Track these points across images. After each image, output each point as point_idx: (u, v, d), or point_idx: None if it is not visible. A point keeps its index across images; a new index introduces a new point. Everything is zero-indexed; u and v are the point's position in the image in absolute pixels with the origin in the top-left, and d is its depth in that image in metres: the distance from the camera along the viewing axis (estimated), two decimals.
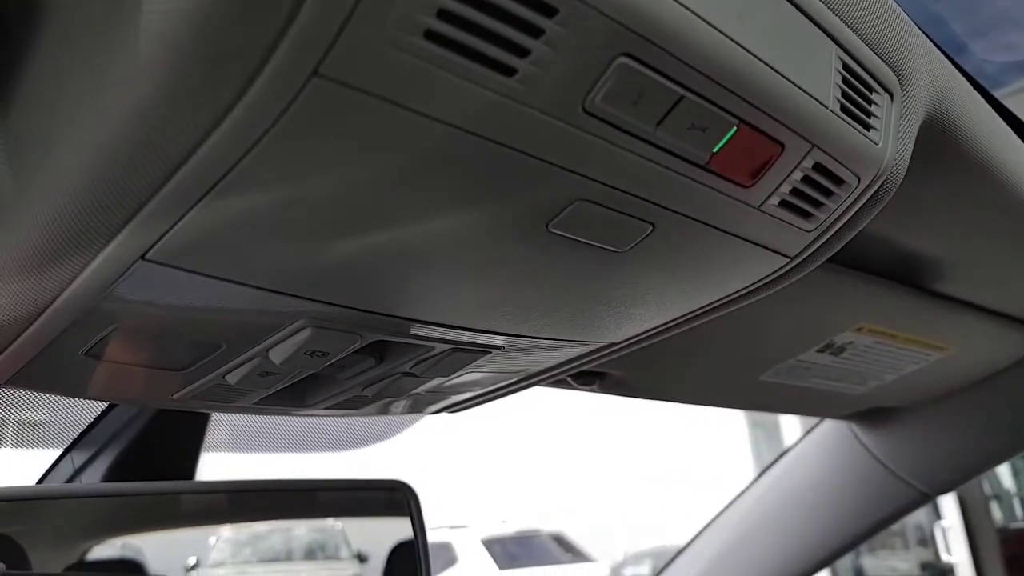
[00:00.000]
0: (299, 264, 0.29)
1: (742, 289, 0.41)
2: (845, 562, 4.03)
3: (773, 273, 0.40)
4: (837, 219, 0.36)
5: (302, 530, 0.72)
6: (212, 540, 0.64)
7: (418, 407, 0.54)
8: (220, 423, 0.75)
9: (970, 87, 0.45)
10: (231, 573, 0.64)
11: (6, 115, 0.26)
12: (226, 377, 0.38)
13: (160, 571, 0.59)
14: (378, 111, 0.21)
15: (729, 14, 0.25)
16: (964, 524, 2.92)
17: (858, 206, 0.36)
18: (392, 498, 0.69)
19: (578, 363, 0.50)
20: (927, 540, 3.70)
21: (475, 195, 0.27)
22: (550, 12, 0.21)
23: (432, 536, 0.68)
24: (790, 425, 5.11)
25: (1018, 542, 3.14)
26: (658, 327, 0.45)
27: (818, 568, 1.09)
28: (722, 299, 0.42)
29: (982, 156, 0.46)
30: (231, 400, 0.42)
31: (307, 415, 0.49)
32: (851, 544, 1.09)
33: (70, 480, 0.70)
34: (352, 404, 0.47)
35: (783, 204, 0.33)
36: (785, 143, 0.30)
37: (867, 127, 0.33)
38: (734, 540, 1.13)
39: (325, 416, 0.49)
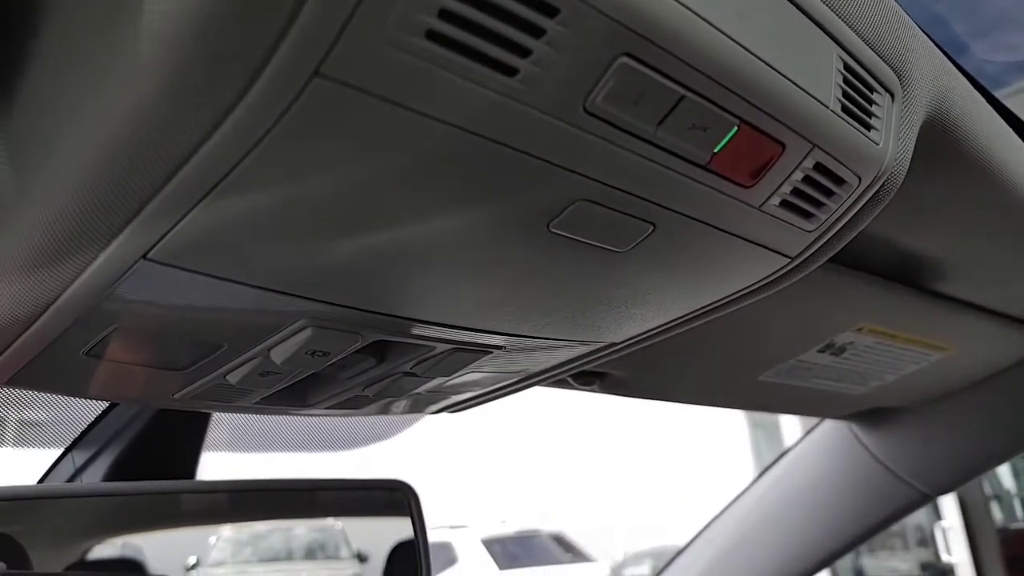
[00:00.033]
0: (300, 264, 0.29)
1: (743, 289, 0.41)
2: (845, 563, 4.03)
3: (774, 273, 0.40)
4: (838, 219, 0.36)
5: (302, 530, 0.72)
6: (212, 540, 0.64)
7: (419, 407, 0.54)
8: (221, 423, 0.75)
9: (971, 87, 0.45)
10: (231, 572, 0.64)
11: (8, 115, 0.26)
12: (227, 377, 0.38)
13: (160, 570, 0.59)
14: (379, 111, 0.21)
15: (730, 14, 0.25)
16: (964, 524, 2.92)
17: (859, 206, 0.36)
18: (392, 498, 0.69)
19: (579, 363, 0.50)
20: (927, 540, 3.70)
21: (476, 195, 0.27)
22: (551, 12, 0.21)
23: (432, 536, 0.68)
24: (790, 425, 5.11)
25: (1018, 542, 3.14)
26: (659, 327, 0.45)
27: (818, 568, 1.09)
28: (723, 299, 0.42)
29: (983, 156, 0.46)
30: (232, 400, 0.43)
31: (308, 415, 0.49)
32: (851, 544, 1.09)
33: (71, 480, 0.70)
34: (353, 404, 0.47)
35: (784, 204, 0.33)
36: (786, 143, 0.30)
37: (868, 127, 0.33)
38: (734, 540, 1.13)
39: (326, 416, 0.49)
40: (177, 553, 0.61)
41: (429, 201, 0.27)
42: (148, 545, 0.60)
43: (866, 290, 0.63)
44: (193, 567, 0.61)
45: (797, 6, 0.29)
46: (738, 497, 1.16)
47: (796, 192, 0.33)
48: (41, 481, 0.72)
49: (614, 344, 0.47)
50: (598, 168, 0.27)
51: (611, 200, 0.29)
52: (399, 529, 0.68)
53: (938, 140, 0.42)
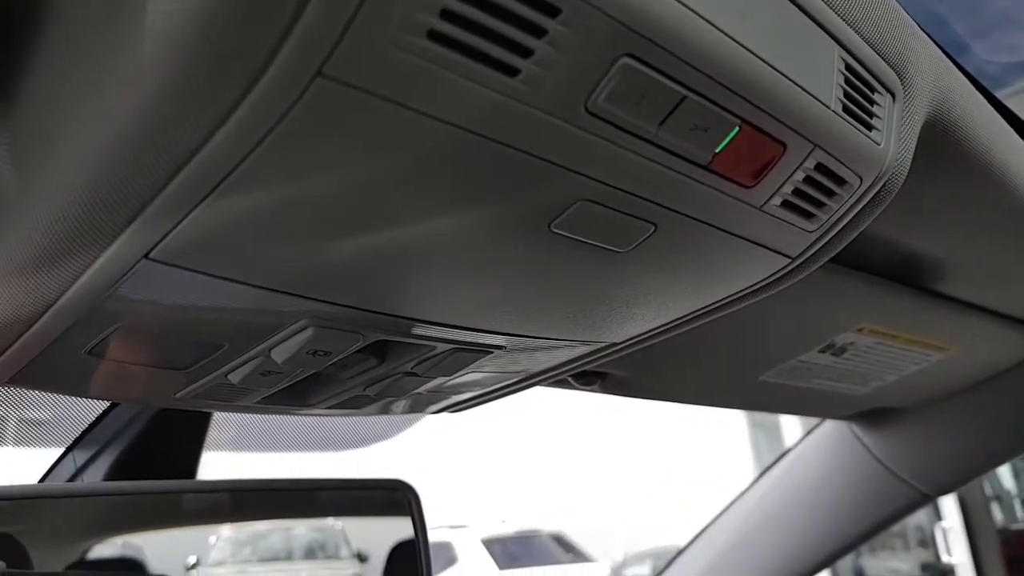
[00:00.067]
0: (302, 264, 0.29)
1: (744, 289, 0.41)
2: (845, 563, 4.02)
3: (775, 273, 0.40)
4: (839, 219, 0.37)
5: (302, 529, 0.72)
6: (212, 539, 0.64)
7: (419, 407, 0.54)
8: (221, 422, 0.75)
9: (972, 88, 0.45)
10: (231, 572, 0.64)
11: (10, 114, 0.26)
12: (228, 376, 0.38)
13: (160, 570, 0.59)
14: (381, 111, 0.22)
15: (731, 14, 0.25)
16: (965, 525, 2.91)
17: (860, 206, 0.36)
18: (392, 498, 0.69)
19: (579, 363, 0.50)
20: (928, 541, 3.70)
21: (477, 195, 0.27)
22: (553, 12, 0.21)
23: (432, 536, 0.68)
24: (790, 425, 5.11)
25: (1019, 543, 3.13)
26: (660, 327, 0.45)
27: (819, 569, 1.08)
28: (724, 299, 0.42)
29: (984, 157, 0.46)
30: (233, 399, 0.43)
31: (309, 414, 0.49)
32: (852, 545, 1.09)
33: (72, 479, 0.70)
34: (354, 404, 0.47)
35: (785, 204, 0.33)
36: (787, 143, 0.30)
37: (869, 127, 0.33)
38: (734, 540, 1.13)
39: (326, 415, 0.49)
40: (177, 553, 0.61)
41: (431, 201, 0.27)
42: (148, 544, 0.60)
43: (867, 290, 0.63)
44: (193, 567, 0.61)
45: (798, 6, 0.29)
46: (738, 497, 1.16)
47: (797, 192, 0.33)
48: (42, 480, 0.72)
49: (615, 344, 0.47)
50: (599, 168, 0.27)
51: (612, 200, 0.29)
52: (399, 529, 0.67)
53: (939, 140, 0.42)
